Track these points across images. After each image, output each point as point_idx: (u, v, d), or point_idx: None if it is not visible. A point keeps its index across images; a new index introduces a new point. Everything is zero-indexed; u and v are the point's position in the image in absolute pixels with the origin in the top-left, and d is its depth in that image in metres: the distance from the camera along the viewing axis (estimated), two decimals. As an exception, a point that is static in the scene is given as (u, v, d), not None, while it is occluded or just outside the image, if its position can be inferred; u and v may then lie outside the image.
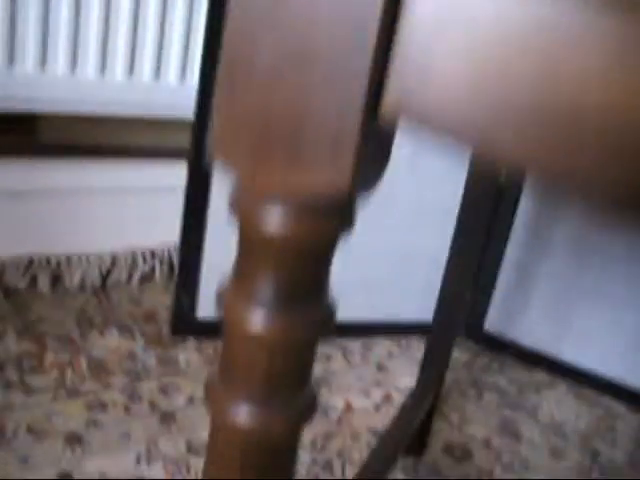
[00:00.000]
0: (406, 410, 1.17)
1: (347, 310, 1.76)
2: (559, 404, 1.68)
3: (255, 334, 0.38)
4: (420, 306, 1.84)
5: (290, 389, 0.40)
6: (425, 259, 1.82)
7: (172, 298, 1.67)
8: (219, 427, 0.41)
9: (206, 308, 1.67)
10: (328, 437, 1.37)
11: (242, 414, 0.39)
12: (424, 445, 1.38)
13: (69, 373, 1.44)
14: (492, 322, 1.90)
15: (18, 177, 1.66)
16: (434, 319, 1.34)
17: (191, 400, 1.43)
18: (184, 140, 1.60)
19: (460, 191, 1.32)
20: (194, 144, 1.56)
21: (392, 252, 1.76)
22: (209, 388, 0.42)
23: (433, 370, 1.32)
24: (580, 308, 1.79)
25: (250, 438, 0.40)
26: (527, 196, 1.81)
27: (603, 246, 1.74)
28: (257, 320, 0.38)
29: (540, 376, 1.79)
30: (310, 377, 0.41)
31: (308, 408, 0.41)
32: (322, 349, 1.68)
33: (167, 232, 1.81)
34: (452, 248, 1.34)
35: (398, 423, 1.14)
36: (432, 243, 1.79)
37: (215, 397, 0.41)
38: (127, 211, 1.80)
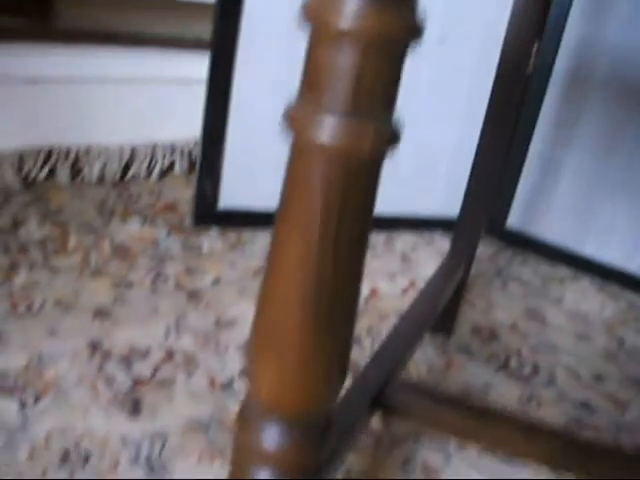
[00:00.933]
0: (432, 287, 1.15)
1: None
2: (583, 296, 1.67)
3: (345, 30, 0.35)
4: (443, 202, 1.82)
5: (378, 103, 0.37)
6: (449, 152, 1.79)
7: (194, 188, 1.65)
8: (301, 148, 0.39)
9: (228, 198, 1.65)
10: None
11: (327, 130, 0.37)
12: (452, 326, 1.37)
13: (93, 256, 1.43)
14: (515, 219, 1.88)
15: (34, 62, 1.63)
16: (462, 209, 1.31)
17: (217, 281, 1.42)
18: (206, 30, 1.56)
19: (486, 81, 1.28)
20: (216, 29, 1.52)
21: (416, 144, 1.73)
22: (289, 108, 0.40)
23: (458, 255, 1.30)
24: (604, 203, 1.76)
25: (334, 157, 0.38)
26: (553, 88, 1.77)
27: (630, 139, 1.71)
28: (348, 13, 0.35)
29: (563, 271, 1.78)
30: (396, 100, 0.39)
31: (394, 132, 0.39)
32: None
33: (187, 126, 1.78)
34: (480, 140, 1.31)
35: (424, 299, 1.12)
36: (456, 135, 1.77)
37: (297, 114, 0.39)
38: (147, 103, 1.76)
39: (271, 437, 0.48)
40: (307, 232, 0.43)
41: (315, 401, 0.46)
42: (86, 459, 0.92)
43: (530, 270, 1.75)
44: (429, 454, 1.03)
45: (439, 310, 1.20)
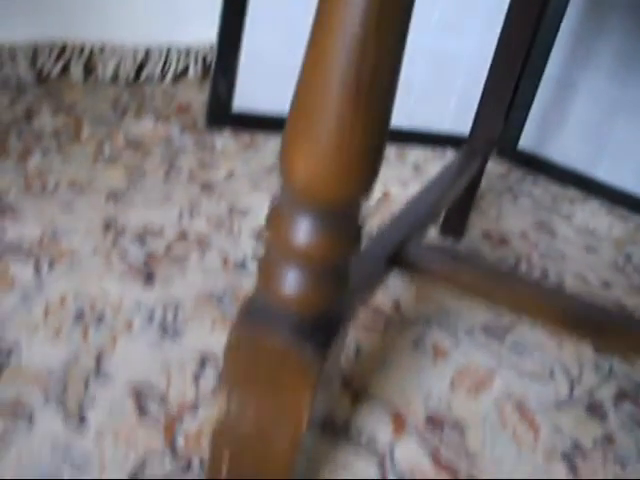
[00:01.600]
0: (447, 174, 1.14)
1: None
2: (593, 215, 1.68)
3: None
4: (455, 118, 1.81)
5: None
6: (465, 64, 1.77)
7: (209, 89, 1.63)
8: None
9: (242, 100, 1.64)
10: (367, 217, 1.37)
11: None
12: (463, 229, 1.37)
13: (107, 146, 1.43)
14: (527, 140, 1.88)
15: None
16: (473, 126, 1.30)
17: (230, 175, 1.42)
18: None
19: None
20: None
21: (433, 53, 1.72)
22: None
23: (473, 151, 1.29)
24: (618, 126, 1.75)
25: None
26: (573, 8, 1.74)
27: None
28: None
29: (574, 192, 1.78)
30: None
31: None
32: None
33: (203, 30, 1.77)
34: (496, 53, 1.29)
35: (438, 183, 1.11)
36: (474, 45, 1.74)
37: None
38: (163, 4, 1.74)
39: (303, 229, 0.48)
40: (348, 15, 0.42)
41: (348, 189, 0.47)
42: (100, 318, 0.93)
43: (541, 189, 1.75)
44: (439, 336, 1.04)
45: (456, 194, 1.18)
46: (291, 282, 0.50)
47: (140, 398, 0.80)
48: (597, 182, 1.79)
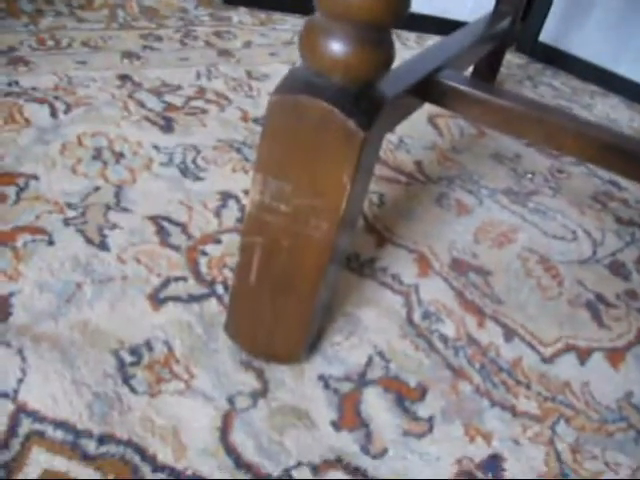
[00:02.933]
0: (469, 29, 1.09)
1: None
2: (613, 108, 1.64)
3: None
4: (473, 10, 1.76)
5: None
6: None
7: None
8: None
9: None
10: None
11: None
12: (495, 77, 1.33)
13: (120, 12, 1.39)
14: (548, 34, 1.83)
15: None
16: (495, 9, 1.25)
17: (248, 44, 1.38)
18: None
19: None
20: None
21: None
22: None
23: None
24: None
25: None
26: None
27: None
28: None
29: (594, 87, 1.74)
30: None
31: None
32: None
33: None
34: None
35: (460, 34, 1.06)
36: None
37: None
38: None
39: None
40: None
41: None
42: (118, 158, 0.90)
43: (561, 81, 1.71)
44: (462, 195, 1.02)
45: (485, 47, 1.13)
46: (336, 47, 0.48)
47: (162, 228, 0.79)
48: (619, 77, 1.75)
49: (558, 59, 1.81)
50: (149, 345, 0.62)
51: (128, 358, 0.61)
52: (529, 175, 1.13)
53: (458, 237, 0.91)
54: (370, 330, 0.71)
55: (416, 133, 1.17)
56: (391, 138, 1.13)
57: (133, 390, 0.58)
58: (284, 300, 0.58)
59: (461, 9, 1.77)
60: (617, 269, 0.95)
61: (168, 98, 1.08)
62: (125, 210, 0.80)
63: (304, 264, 0.55)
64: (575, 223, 1.03)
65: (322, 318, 0.68)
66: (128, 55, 1.20)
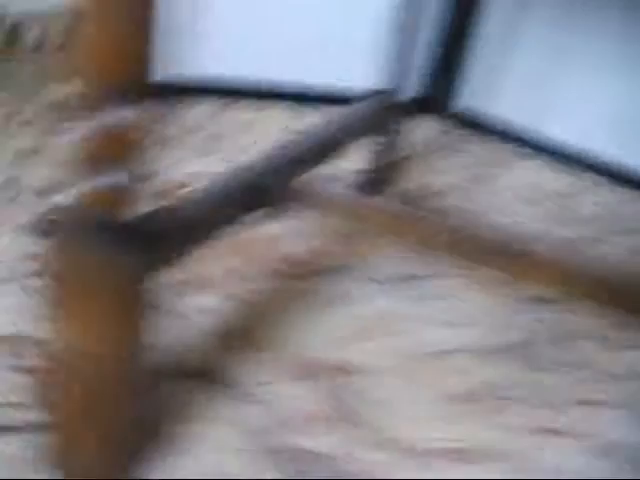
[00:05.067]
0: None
1: (273, 72, 1.56)
2: (536, 171, 1.58)
3: None
4: (363, 73, 1.61)
5: None
6: (371, 16, 1.55)
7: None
8: None
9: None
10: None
11: None
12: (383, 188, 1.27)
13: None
14: (466, 99, 1.78)
15: None
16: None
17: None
18: None
19: None
20: None
21: (330, 6, 1.58)
22: None
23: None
24: (563, 78, 1.65)
25: None
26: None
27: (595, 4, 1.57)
28: None
29: (517, 149, 1.68)
30: None
31: None
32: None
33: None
34: None
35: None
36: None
37: None
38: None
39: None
40: None
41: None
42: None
43: (481, 147, 1.65)
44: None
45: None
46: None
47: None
48: (542, 138, 1.69)
49: (478, 123, 1.75)
50: None
51: None
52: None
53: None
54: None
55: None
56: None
57: None
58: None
59: (347, 75, 1.60)
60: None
61: None
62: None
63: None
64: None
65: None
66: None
